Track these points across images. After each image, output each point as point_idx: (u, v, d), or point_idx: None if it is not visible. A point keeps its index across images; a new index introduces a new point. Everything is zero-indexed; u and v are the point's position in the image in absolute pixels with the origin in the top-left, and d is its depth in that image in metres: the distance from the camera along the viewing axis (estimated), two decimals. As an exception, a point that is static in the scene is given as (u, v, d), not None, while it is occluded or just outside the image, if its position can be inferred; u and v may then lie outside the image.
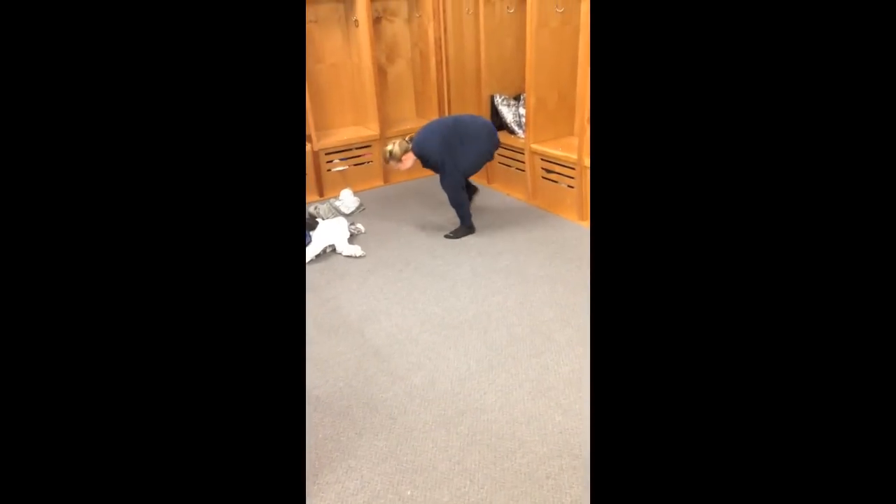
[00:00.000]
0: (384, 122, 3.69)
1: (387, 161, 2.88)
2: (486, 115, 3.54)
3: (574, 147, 2.98)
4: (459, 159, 2.78)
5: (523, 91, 3.31)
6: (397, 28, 3.80)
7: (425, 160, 2.83)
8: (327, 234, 2.83)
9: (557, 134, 3.26)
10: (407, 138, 2.88)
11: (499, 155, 3.57)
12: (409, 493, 1.45)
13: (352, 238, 2.95)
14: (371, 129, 3.71)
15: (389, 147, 2.84)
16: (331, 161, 3.62)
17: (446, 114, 3.90)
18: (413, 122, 3.93)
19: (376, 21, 3.64)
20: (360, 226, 3.08)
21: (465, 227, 2.94)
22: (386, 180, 3.83)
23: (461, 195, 2.85)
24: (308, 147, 3.49)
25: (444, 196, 2.98)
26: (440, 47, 3.69)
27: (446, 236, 2.92)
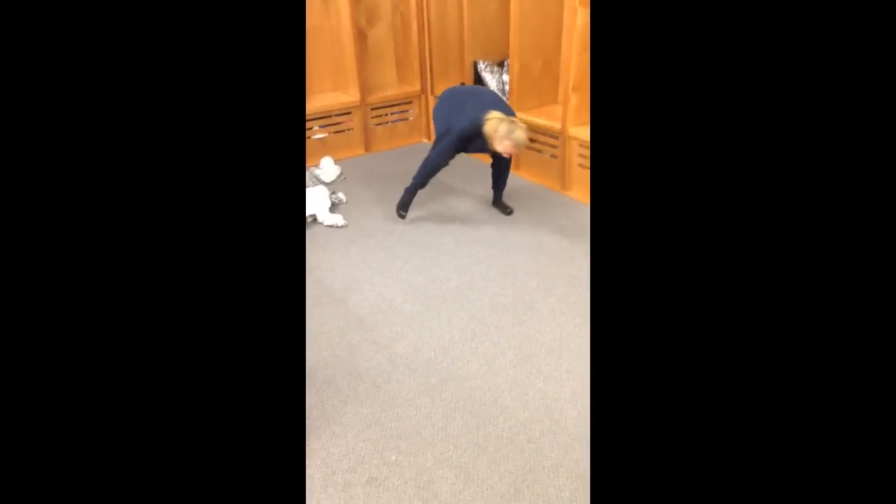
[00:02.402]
0: (364, 88, 3.60)
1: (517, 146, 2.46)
2: (468, 81, 3.47)
3: (558, 116, 2.96)
4: None
5: (507, 57, 3.25)
6: (377, -11, 3.67)
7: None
8: (308, 203, 2.79)
9: (541, 102, 3.23)
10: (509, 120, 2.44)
11: (482, 123, 3.53)
12: (393, 458, 1.47)
13: (333, 207, 2.92)
14: (351, 96, 3.62)
15: (515, 130, 2.42)
16: (310, 128, 3.53)
17: (428, 80, 3.82)
18: (395, 89, 3.85)
19: (355, -19, 3.50)
20: (341, 195, 3.04)
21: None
22: (367, 148, 3.76)
23: None
24: (286, 113, 3.39)
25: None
26: (422, 10, 3.58)
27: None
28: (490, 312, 2.06)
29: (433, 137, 3.98)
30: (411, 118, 3.92)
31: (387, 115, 3.80)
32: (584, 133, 2.83)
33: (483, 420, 1.58)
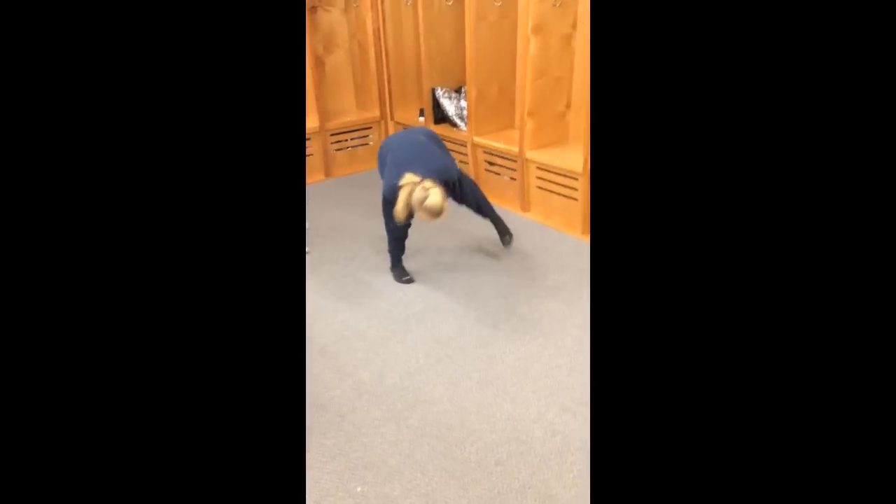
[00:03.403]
0: (323, 114, 3.61)
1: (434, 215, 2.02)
2: (427, 107, 3.53)
3: (515, 140, 3.03)
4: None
5: (464, 83, 3.33)
6: (334, 18, 3.71)
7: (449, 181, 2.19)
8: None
9: (499, 127, 3.31)
10: (421, 180, 2.02)
11: (441, 147, 3.57)
12: (359, 489, 1.44)
13: (293, 234, 2.87)
14: (310, 121, 3.61)
15: (427, 198, 1.97)
16: (268, 155, 3.49)
17: (387, 106, 3.85)
18: (354, 115, 3.86)
19: (312, 10, 3.53)
20: (301, 221, 3.00)
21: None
22: (327, 174, 3.75)
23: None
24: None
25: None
26: (379, 38, 3.64)
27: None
28: (455, 335, 2.06)
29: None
30: (371, 143, 3.93)
31: (347, 140, 3.80)
32: (540, 156, 2.91)
33: (450, 445, 1.56)
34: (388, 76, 3.76)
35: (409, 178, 2.01)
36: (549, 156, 2.89)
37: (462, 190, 2.32)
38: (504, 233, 2.50)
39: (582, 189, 2.70)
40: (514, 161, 3.05)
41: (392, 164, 2.16)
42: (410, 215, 2.09)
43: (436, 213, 1.97)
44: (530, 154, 2.94)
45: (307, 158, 3.64)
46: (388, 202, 2.11)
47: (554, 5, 2.71)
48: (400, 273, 2.44)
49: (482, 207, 2.43)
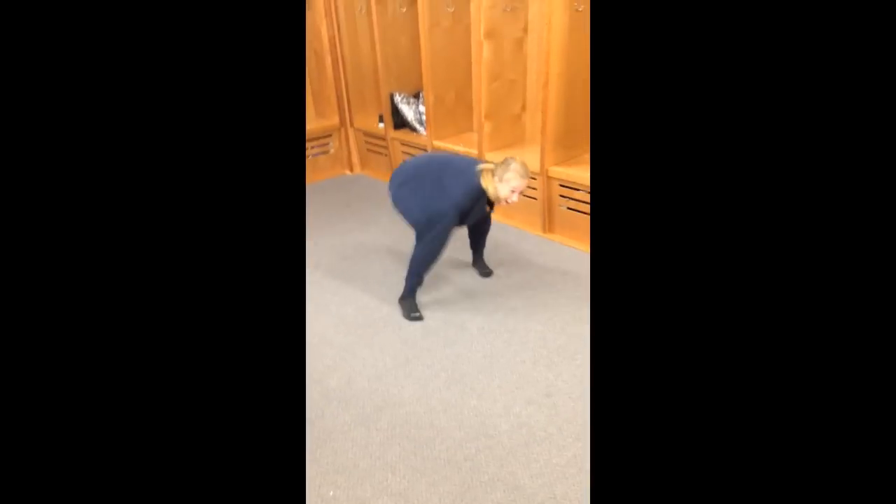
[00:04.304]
0: (282, 123, 3.58)
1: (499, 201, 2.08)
2: (386, 113, 3.55)
3: (473, 142, 3.09)
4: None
5: (421, 89, 3.37)
6: (289, 26, 3.70)
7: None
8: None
9: (457, 130, 3.36)
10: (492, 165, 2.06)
11: (402, 152, 3.60)
12: (331, 493, 1.45)
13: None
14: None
15: (518, 164, 2.02)
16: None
17: (346, 113, 3.86)
18: (313, 123, 3.85)
19: (266, 19, 3.51)
20: (263, 231, 2.97)
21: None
22: (288, 183, 3.72)
23: None
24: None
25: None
26: (335, 46, 3.65)
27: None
28: (421, 336, 2.09)
29: (357, 170, 4.02)
30: (332, 151, 3.93)
31: (307, 148, 3.79)
32: (499, 158, 2.96)
33: (420, 444, 1.59)
34: (346, 83, 3.77)
35: (484, 166, 2.06)
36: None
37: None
38: (483, 268, 2.52)
39: (541, 188, 2.78)
40: (474, 163, 3.10)
41: (454, 173, 2.08)
42: (478, 200, 2.07)
43: (525, 174, 2.02)
44: (489, 156, 3.00)
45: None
46: (463, 208, 2.03)
47: (505, 10, 2.78)
48: (411, 306, 2.22)
49: (485, 234, 2.44)
